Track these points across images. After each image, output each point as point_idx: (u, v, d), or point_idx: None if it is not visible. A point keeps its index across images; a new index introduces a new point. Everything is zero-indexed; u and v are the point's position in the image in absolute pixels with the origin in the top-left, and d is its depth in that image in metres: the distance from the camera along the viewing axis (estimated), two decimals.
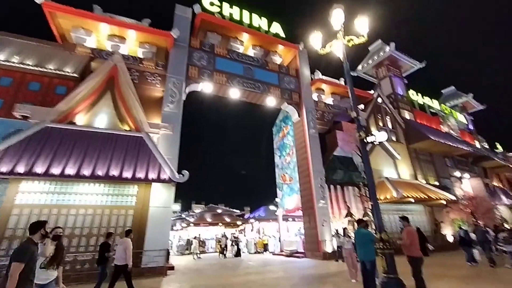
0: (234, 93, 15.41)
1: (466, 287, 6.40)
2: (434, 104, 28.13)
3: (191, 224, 22.63)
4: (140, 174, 9.85)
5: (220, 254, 17.49)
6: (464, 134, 28.00)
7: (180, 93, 12.93)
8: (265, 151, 62.25)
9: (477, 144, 29.12)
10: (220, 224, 23.11)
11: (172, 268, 11.00)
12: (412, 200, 16.70)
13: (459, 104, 30.93)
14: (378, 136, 7.07)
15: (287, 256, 15.23)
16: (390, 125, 21.12)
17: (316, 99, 18.37)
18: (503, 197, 24.92)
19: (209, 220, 23.26)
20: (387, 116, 21.20)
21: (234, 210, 27.25)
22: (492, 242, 11.30)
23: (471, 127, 30.95)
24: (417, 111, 24.68)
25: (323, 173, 15.67)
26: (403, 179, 18.39)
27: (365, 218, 13.26)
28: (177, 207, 34.50)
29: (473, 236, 10.98)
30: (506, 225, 19.04)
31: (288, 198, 17.32)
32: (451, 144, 22.41)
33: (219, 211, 24.80)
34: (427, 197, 16.81)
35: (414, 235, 5.56)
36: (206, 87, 14.52)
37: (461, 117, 29.82)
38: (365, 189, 17.32)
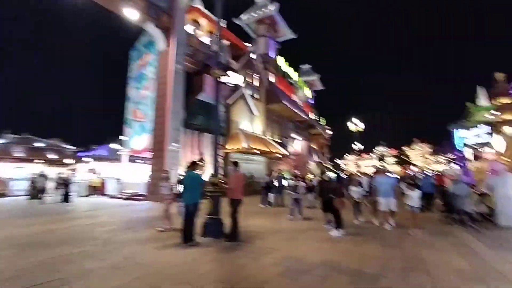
0: None
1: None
2: (294, 75, 32.52)
3: None
4: None
5: (34, 199, 13.39)
6: (306, 106, 34.78)
7: None
8: (115, 78, 52.50)
9: (312, 116, 37.30)
10: (40, 161, 17.67)
11: None
12: (258, 152, 19.09)
13: (309, 80, 37.60)
14: (233, 77, 6.47)
15: (125, 199, 13.74)
16: (257, 83, 22.40)
17: (191, 33, 16.09)
18: (315, 156, 34.04)
19: (19, 155, 17.13)
20: (256, 74, 22.24)
21: (67, 146, 21.63)
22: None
23: (312, 101, 38.88)
24: (279, 77, 27.60)
25: (182, 115, 14.54)
26: (255, 134, 20.52)
27: (201, 163, 13.38)
28: None
29: (276, 183, 12.10)
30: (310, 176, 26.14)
31: (138, 137, 15.18)
32: (297, 111, 27.11)
33: (40, 145, 18.75)
34: (269, 150, 19.70)
35: (240, 181, 5.66)
36: None
37: (308, 92, 36.59)
38: (222, 138, 17.84)
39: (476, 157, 13.85)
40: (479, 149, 13.32)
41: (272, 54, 25.70)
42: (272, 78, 25.07)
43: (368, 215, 7.86)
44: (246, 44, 21.86)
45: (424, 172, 17.91)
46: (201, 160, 14.11)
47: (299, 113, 27.97)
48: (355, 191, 7.83)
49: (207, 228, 5.92)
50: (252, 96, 21.02)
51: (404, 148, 69.38)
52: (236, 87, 19.31)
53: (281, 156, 22.91)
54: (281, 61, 28.26)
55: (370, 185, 7.93)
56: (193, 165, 5.51)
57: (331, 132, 53.06)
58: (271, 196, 11.90)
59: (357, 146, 39.08)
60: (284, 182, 12.38)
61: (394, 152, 66.96)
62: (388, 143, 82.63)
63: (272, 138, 23.42)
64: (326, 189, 6.67)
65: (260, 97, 22.65)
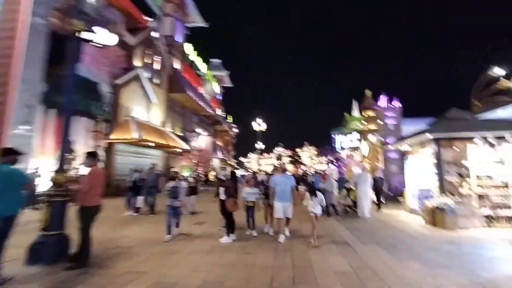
0: None
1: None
2: (202, 67, 30.95)
3: None
4: None
5: None
6: (213, 101, 33.88)
7: None
8: None
9: (219, 112, 36.77)
10: None
11: None
12: (153, 144, 16.63)
13: (218, 75, 36.90)
14: (102, 35, 4.65)
15: None
16: (158, 67, 19.64)
17: None
18: (219, 153, 33.68)
19: None
20: (157, 56, 19.49)
21: None
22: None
23: (220, 97, 38.35)
24: (186, 65, 25.49)
25: (41, 89, 10.67)
26: (152, 124, 17.88)
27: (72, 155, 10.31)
28: None
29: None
30: (213, 173, 25.40)
31: None
32: (203, 105, 25.73)
33: None
34: (167, 144, 17.54)
35: (99, 178, 4.00)
36: None
37: (216, 87, 35.81)
38: (106, 124, 14.51)
39: (349, 158, 16.51)
40: (352, 152, 15.89)
41: (179, 38, 23.34)
42: (177, 65, 22.74)
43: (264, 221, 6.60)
44: (147, 18, 18.80)
45: (315, 170, 20.31)
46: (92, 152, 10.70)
47: (205, 107, 26.71)
48: (249, 193, 6.05)
49: (40, 251, 3.95)
50: (150, 80, 18.24)
51: (297, 149, 79.62)
52: (130, 66, 16.20)
53: (181, 151, 21.04)
54: (189, 48, 26.18)
55: (266, 185, 6.42)
56: (6, 154, 3.45)
57: (237, 130, 54.49)
58: (139, 200, 8.93)
59: (259, 145, 41.56)
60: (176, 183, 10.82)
61: (289, 152, 75.71)
62: (285, 144, 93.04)
63: (172, 131, 21.19)
64: (224, 189, 5.86)
65: (161, 83, 20.01)
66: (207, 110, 27.36)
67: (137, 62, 16.94)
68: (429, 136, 7.69)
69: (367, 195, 9.24)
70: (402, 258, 4.57)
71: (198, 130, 27.58)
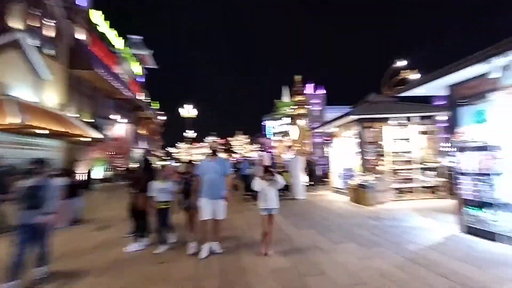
0: None
1: None
2: (118, 43, 26.44)
3: None
4: None
5: None
6: (134, 83, 29.65)
7: None
8: None
9: (141, 96, 32.55)
10: None
11: None
12: (46, 132, 13.06)
13: (139, 55, 32.41)
14: None
15: None
16: (52, 34, 15.36)
17: None
18: (142, 142, 30.10)
19: None
20: (49, 19, 15.20)
21: None
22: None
23: (142, 79, 33.93)
24: (94, 37, 21.09)
25: None
26: (45, 107, 14.01)
27: None
28: None
29: None
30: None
31: None
32: (118, 86, 21.97)
33: None
34: (68, 132, 14.10)
35: None
36: None
37: (137, 67, 31.41)
38: None
39: (279, 143, 16.73)
40: (282, 137, 16.09)
41: (82, 2, 18.92)
42: (81, 35, 18.47)
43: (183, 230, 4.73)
44: None
45: (244, 157, 19.95)
46: None
47: (122, 89, 22.95)
48: (160, 189, 4.17)
49: None
50: (39, 49, 14.13)
51: (229, 138, 79.42)
52: (4, 27, 12.03)
53: (90, 140, 17.50)
54: (97, 17, 21.70)
55: (187, 180, 4.23)
56: None
57: (164, 118, 50.01)
58: None
59: (190, 134, 39.10)
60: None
61: (222, 141, 74.90)
62: (218, 133, 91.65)
63: (78, 116, 17.31)
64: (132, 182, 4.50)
65: (58, 56, 15.83)
66: (125, 93, 23.61)
67: (15, 23, 12.74)
68: (353, 117, 7.99)
69: (299, 178, 9.26)
70: (338, 241, 4.35)
71: (114, 116, 23.63)
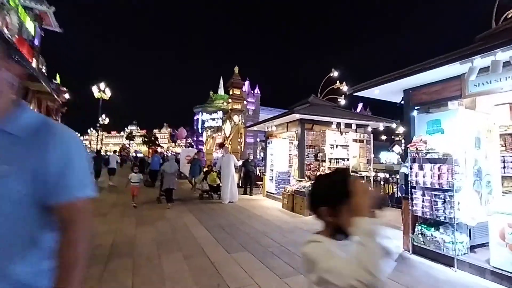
0: None
1: None
2: None
3: None
4: None
5: None
6: (23, 44, 22.63)
7: None
8: None
9: (34, 64, 25.25)
10: None
11: None
12: None
13: (37, 10, 25.11)
14: None
15: None
16: None
17: None
18: None
19: None
20: None
21: None
22: None
23: (37, 42, 26.40)
24: None
25: None
26: None
27: None
28: None
29: None
30: None
31: None
32: None
33: None
34: None
35: None
36: None
37: (31, 25, 24.18)
38: None
39: (210, 139, 15.13)
40: (214, 133, 14.55)
41: None
42: None
43: None
44: None
45: (155, 150, 17.14)
46: None
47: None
48: None
49: None
50: None
51: (155, 130, 72.09)
52: None
53: None
54: None
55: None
56: None
57: (68, 97, 40.83)
58: None
59: (104, 120, 33.03)
60: None
61: (143, 132, 67.17)
62: (139, 124, 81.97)
63: None
64: None
65: None
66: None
67: None
68: (296, 116, 7.25)
69: (229, 179, 7.99)
70: (285, 273, 3.22)
71: None
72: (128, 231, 4.72)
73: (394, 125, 8.94)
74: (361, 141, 7.96)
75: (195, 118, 20.59)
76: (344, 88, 13.56)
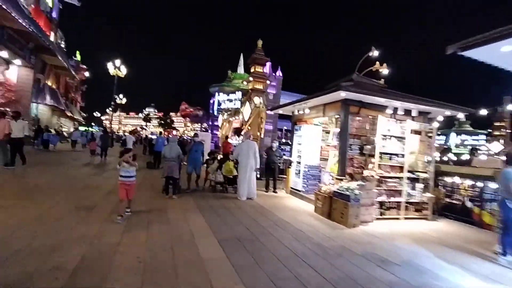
0: None
1: None
2: None
3: None
4: None
5: None
6: (40, 16, 21.83)
7: None
8: None
9: (52, 37, 24.56)
10: None
11: None
12: None
13: None
14: None
15: None
16: None
17: None
18: (48, 98, 22.88)
19: None
20: None
21: None
22: None
23: (55, 15, 25.63)
24: None
25: None
26: None
27: None
28: None
29: None
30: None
31: None
32: (11, 12, 15.04)
33: None
34: None
35: None
36: None
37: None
38: None
39: (227, 123, 13.66)
40: (231, 117, 13.04)
41: None
42: None
43: None
44: None
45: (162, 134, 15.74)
46: None
47: (16, 15, 15.98)
48: None
49: None
50: None
51: (172, 113, 71.91)
52: None
53: None
54: None
55: None
56: None
57: (88, 75, 40.67)
58: None
59: (122, 100, 32.72)
60: None
61: (160, 114, 67.08)
62: (158, 106, 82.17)
63: None
64: None
65: None
66: (20, 21, 16.61)
67: None
68: (342, 94, 5.52)
69: (249, 171, 6.53)
70: None
71: (3, 53, 16.54)
72: (110, 238, 3.38)
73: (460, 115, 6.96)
74: (422, 132, 6.14)
75: (211, 101, 19.14)
76: (385, 71, 11.39)
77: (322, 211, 5.54)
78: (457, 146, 41.37)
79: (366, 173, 5.49)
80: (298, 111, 7.63)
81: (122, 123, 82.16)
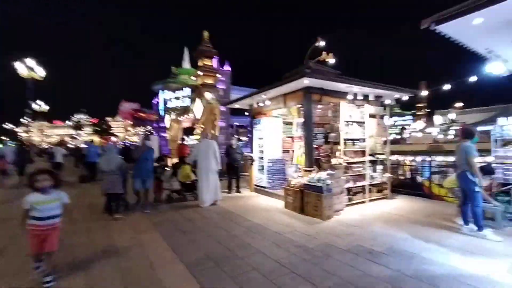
0: None
1: None
2: None
3: None
4: None
5: None
6: None
7: None
8: None
9: None
10: None
11: None
12: None
13: None
14: None
15: None
16: None
17: None
18: None
19: None
20: None
21: None
22: None
23: None
24: None
25: None
26: None
27: None
28: None
29: None
30: None
31: None
32: None
33: None
34: None
35: None
36: None
37: None
38: None
39: (175, 124, 12.49)
40: (179, 116, 11.91)
41: None
42: None
43: None
44: None
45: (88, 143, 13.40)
46: None
47: None
48: None
49: None
50: None
51: (108, 118, 64.33)
52: None
53: None
54: None
55: None
56: None
57: None
58: None
59: (39, 106, 27.53)
60: None
61: (95, 121, 59.39)
62: (90, 112, 72.58)
63: None
64: None
65: None
66: None
67: None
68: (305, 81, 5.22)
69: (210, 172, 5.82)
70: None
71: None
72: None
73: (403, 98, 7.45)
74: (377, 116, 6.32)
75: (155, 101, 17.34)
76: (332, 60, 11.73)
77: (294, 207, 5.21)
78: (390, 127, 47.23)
79: (334, 161, 5.35)
80: (257, 103, 7.15)
81: (45, 133, 70.55)
